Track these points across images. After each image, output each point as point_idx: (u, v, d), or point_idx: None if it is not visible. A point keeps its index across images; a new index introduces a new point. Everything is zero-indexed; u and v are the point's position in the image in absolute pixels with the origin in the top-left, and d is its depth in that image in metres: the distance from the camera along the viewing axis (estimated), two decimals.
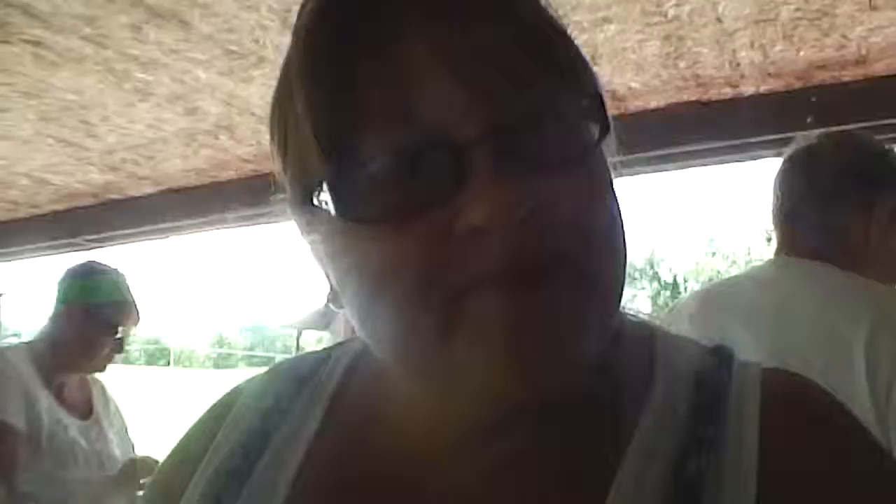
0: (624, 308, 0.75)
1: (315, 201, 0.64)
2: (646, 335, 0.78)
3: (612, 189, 0.67)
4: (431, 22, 0.62)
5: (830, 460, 0.66)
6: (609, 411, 0.71)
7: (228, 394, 0.91)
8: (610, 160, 0.70)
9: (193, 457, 0.84)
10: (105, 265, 3.02)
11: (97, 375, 3.13)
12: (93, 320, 2.88)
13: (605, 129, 0.64)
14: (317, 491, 0.77)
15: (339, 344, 0.91)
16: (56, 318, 2.95)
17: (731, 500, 0.63)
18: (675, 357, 0.76)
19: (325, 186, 0.63)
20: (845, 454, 0.67)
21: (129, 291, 3.01)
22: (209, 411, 0.91)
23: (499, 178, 0.57)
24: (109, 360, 3.00)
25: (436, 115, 0.60)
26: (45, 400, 2.86)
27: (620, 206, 0.68)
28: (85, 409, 3.05)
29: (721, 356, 0.76)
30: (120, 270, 3.04)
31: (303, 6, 0.67)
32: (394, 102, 0.60)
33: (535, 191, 0.58)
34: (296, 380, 0.87)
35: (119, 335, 2.87)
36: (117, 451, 3.06)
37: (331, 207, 0.63)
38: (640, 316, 0.83)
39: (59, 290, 2.96)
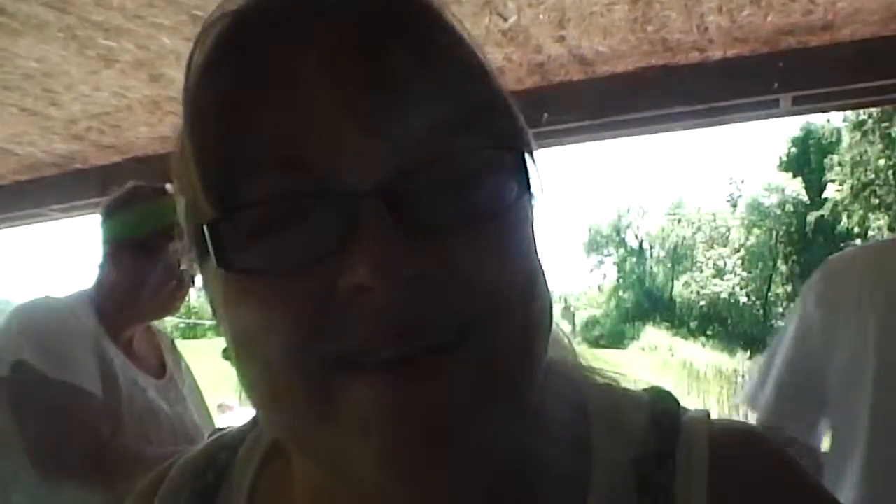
0: (551, 366, 0.68)
1: (201, 248, 0.59)
2: (579, 402, 0.72)
3: (530, 247, 0.61)
4: (328, 64, 0.56)
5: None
6: (546, 494, 0.66)
7: (155, 473, 0.84)
8: (533, 211, 0.64)
9: None
10: (147, 187, 2.53)
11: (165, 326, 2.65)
12: (146, 255, 2.37)
13: (523, 186, 0.59)
14: None
15: (254, 436, 0.81)
16: (105, 261, 2.48)
17: None
18: (622, 411, 0.71)
19: (207, 232, 0.57)
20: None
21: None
22: (136, 493, 0.84)
23: (389, 234, 0.52)
24: (178, 298, 2.51)
25: (327, 163, 0.54)
26: (117, 358, 2.37)
27: (539, 265, 0.61)
28: (158, 366, 2.60)
29: (667, 407, 0.72)
30: (168, 188, 2.37)
31: (196, 43, 0.61)
32: (283, 147, 0.55)
33: (429, 251, 0.53)
34: (203, 493, 0.79)
35: (183, 267, 2.39)
36: (197, 417, 2.61)
37: (212, 256, 0.57)
38: (571, 368, 0.76)
39: (102, 230, 2.50)
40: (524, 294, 0.58)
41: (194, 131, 0.59)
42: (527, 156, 0.61)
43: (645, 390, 0.75)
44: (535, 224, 0.64)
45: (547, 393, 0.66)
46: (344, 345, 0.54)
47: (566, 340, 0.77)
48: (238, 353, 0.60)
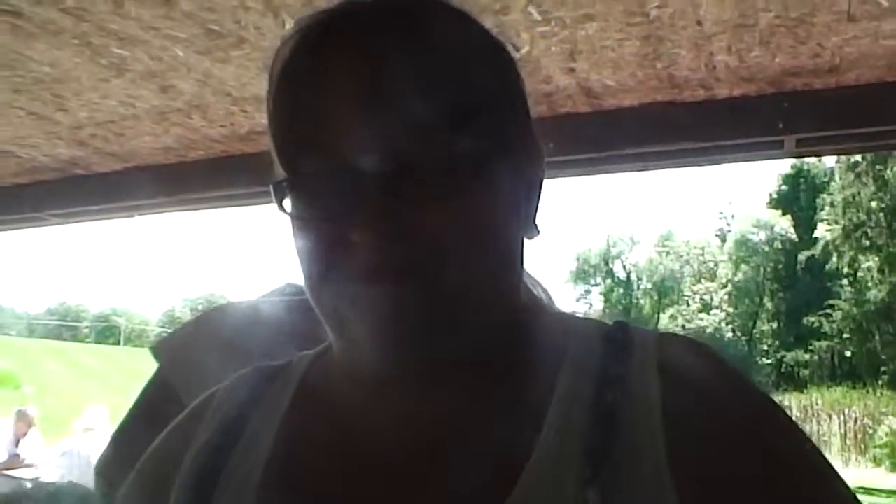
0: (533, 301, 1.01)
1: (274, 196, 0.86)
2: (559, 314, 1.02)
3: (498, 211, 0.86)
4: (348, 81, 0.81)
5: (717, 391, 0.87)
6: (531, 369, 0.90)
7: (204, 397, 1.07)
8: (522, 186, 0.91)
9: (173, 456, 0.99)
10: None
11: None
12: None
13: (480, 166, 0.83)
14: (291, 455, 0.94)
15: (302, 353, 1.08)
16: None
17: (643, 425, 0.81)
18: (585, 324, 0.97)
19: (273, 188, 0.86)
20: (727, 388, 0.88)
21: None
22: (187, 413, 1.07)
23: (383, 204, 0.78)
24: None
25: (346, 149, 0.80)
26: None
27: (506, 223, 0.87)
28: None
29: (623, 324, 0.95)
30: None
31: (273, 59, 0.91)
32: (322, 136, 0.82)
33: (406, 217, 0.79)
34: (268, 376, 1.05)
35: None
36: None
37: (275, 202, 0.86)
38: (555, 308, 1.08)
39: None
40: (479, 248, 0.83)
41: (269, 119, 0.89)
42: (516, 147, 0.89)
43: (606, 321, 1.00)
44: (521, 186, 0.91)
45: (533, 320, 0.96)
46: (351, 274, 0.81)
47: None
48: (301, 272, 0.88)
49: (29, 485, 9.78)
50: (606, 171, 3.18)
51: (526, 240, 0.94)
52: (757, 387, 0.92)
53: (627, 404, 0.83)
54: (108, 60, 2.52)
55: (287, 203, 0.86)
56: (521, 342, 0.92)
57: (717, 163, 3.04)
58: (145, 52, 2.45)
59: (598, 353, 0.89)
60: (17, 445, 10.50)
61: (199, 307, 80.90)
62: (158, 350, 1.75)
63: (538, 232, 0.94)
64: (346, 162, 0.80)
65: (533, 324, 0.95)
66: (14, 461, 10.30)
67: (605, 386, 0.85)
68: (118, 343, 52.23)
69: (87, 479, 9.04)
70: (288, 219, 0.87)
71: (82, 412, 10.24)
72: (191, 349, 1.66)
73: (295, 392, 1.00)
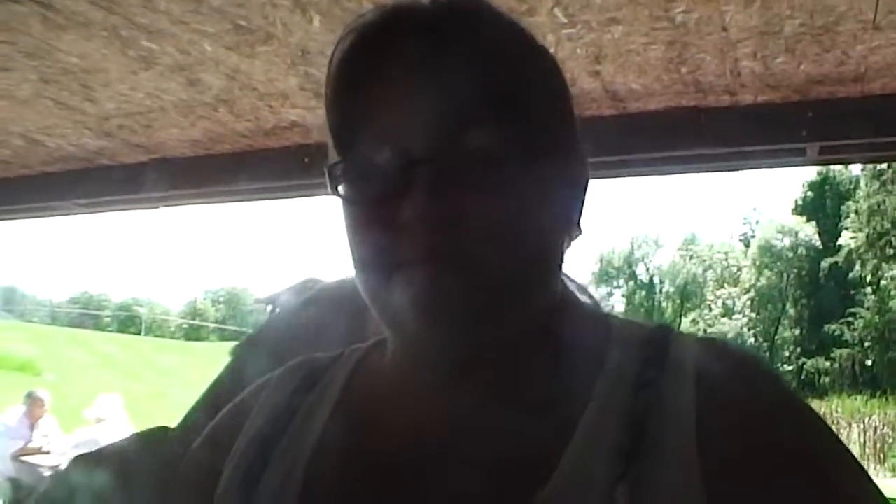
0: (575, 301, 1.02)
1: (328, 179, 0.90)
2: (600, 315, 1.02)
3: (543, 205, 0.88)
4: (404, 74, 0.86)
5: (750, 397, 0.86)
6: (570, 367, 0.92)
7: (257, 385, 1.11)
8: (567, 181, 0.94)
9: (224, 442, 1.03)
10: None
11: None
12: None
13: (527, 160, 0.85)
14: (337, 446, 0.96)
15: (353, 347, 1.11)
16: None
17: (675, 431, 0.82)
18: (627, 326, 0.97)
19: (328, 171, 0.90)
20: (764, 396, 0.87)
21: None
22: (239, 400, 1.10)
23: (430, 190, 0.81)
24: None
25: (401, 137, 0.84)
26: None
27: (550, 218, 0.90)
28: None
29: (664, 327, 0.96)
30: None
31: (333, 49, 0.92)
32: (376, 123, 0.86)
33: (453, 203, 0.81)
34: (317, 367, 1.08)
35: None
36: None
37: (328, 185, 0.90)
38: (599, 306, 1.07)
39: None
40: (520, 237, 0.85)
41: (327, 107, 0.92)
42: (547, 143, 0.89)
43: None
44: (565, 184, 0.93)
45: (574, 318, 0.97)
46: (398, 254, 0.84)
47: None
48: (350, 253, 0.91)
49: (46, 472, 9.83)
50: (630, 175, 3.18)
51: (569, 240, 0.96)
52: (797, 397, 0.92)
53: (660, 410, 0.84)
54: (137, 53, 2.55)
55: (341, 187, 0.89)
56: (561, 339, 0.94)
57: (740, 169, 3.04)
58: (174, 45, 2.48)
59: (636, 355, 0.90)
60: (31, 430, 10.54)
61: (221, 299, 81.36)
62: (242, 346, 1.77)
63: (581, 232, 0.97)
64: (400, 146, 0.84)
65: (573, 322, 0.97)
66: (30, 448, 10.35)
67: (639, 389, 0.86)
68: (139, 333, 52.48)
69: None
70: (340, 202, 0.91)
71: (95, 402, 10.26)
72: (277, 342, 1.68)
73: (344, 384, 1.03)
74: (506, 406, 0.90)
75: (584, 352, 0.92)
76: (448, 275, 0.82)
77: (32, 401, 10.69)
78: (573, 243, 0.98)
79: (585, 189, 0.99)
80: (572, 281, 1.03)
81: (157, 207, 4.13)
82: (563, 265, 0.97)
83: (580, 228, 0.97)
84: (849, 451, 0.88)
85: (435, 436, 0.90)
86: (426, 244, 0.82)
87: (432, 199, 0.81)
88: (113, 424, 9.61)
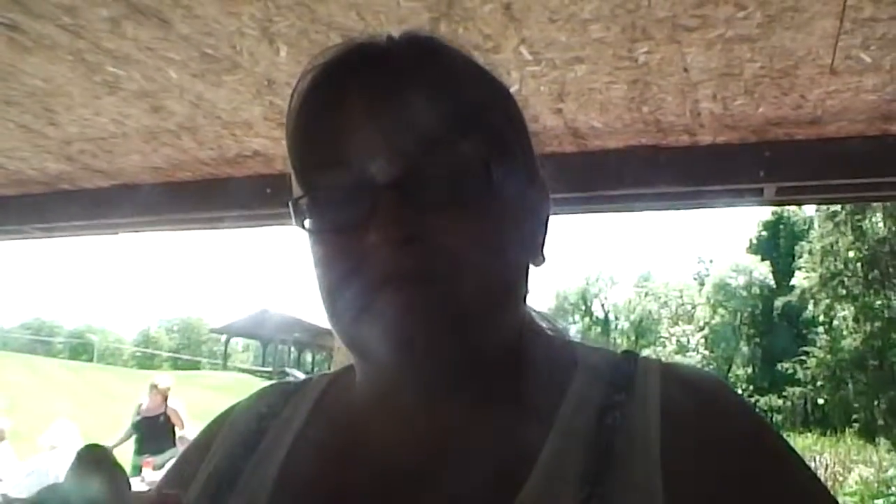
0: (545, 320, 1.05)
1: (293, 213, 0.91)
2: (566, 339, 1.04)
3: (506, 227, 0.89)
4: (363, 103, 0.87)
5: (717, 422, 0.88)
6: (536, 390, 0.92)
7: (223, 413, 1.12)
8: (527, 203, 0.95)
9: (189, 469, 1.04)
10: None
11: None
12: None
13: (486, 179, 0.86)
14: (303, 466, 0.97)
15: (322, 373, 1.13)
16: None
17: (640, 453, 0.83)
18: (593, 352, 0.99)
19: (292, 205, 0.91)
20: (729, 418, 0.89)
21: None
22: (204, 431, 1.11)
23: (395, 211, 0.82)
24: None
25: (364, 164, 0.85)
26: None
27: (513, 241, 0.91)
28: None
29: (629, 353, 0.98)
30: None
31: (296, 84, 0.95)
32: (338, 153, 0.87)
33: (418, 223, 0.83)
34: (285, 392, 1.10)
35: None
36: None
37: (293, 219, 0.91)
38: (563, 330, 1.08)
39: None
40: (486, 255, 0.86)
41: (289, 141, 0.94)
42: (507, 164, 0.90)
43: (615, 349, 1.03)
44: (515, 208, 0.92)
45: (540, 343, 0.99)
46: (366, 281, 0.84)
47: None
48: (318, 286, 0.91)
49: None
50: (590, 211, 3.21)
51: (532, 266, 0.98)
52: (763, 420, 0.95)
53: (625, 435, 0.85)
54: (102, 78, 2.54)
55: (305, 220, 0.90)
56: (527, 363, 0.95)
57: (699, 207, 3.09)
58: (139, 71, 2.48)
59: (601, 380, 0.92)
60: None
61: (175, 328, 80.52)
62: None
63: (544, 260, 0.98)
64: (363, 174, 0.85)
65: (539, 347, 0.98)
66: None
67: (604, 414, 0.88)
68: (91, 360, 51.75)
69: None
70: (306, 236, 0.92)
71: (49, 429, 10.11)
72: None
73: (312, 407, 1.05)
74: (472, 430, 0.90)
75: (550, 376, 0.93)
76: (415, 293, 0.84)
77: None
78: (536, 271, 0.99)
79: (548, 218, 1.01)
80: (536, 311, 1.05)
81: (117, 234, 4.11)
82: (529, 292, 0.98)
83: (544, 256, 0.99)
84: (816, 476, 0.90)
85: (402, 460, 0.91)
86: (393, 265, 0.83)
87: (397, 220, 0.82)
88: (67, 451, 9.45)
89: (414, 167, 0.85)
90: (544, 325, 1.05)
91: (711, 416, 0.88)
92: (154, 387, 11.29)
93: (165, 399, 11.13)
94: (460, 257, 0.85)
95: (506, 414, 0.91)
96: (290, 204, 0.91)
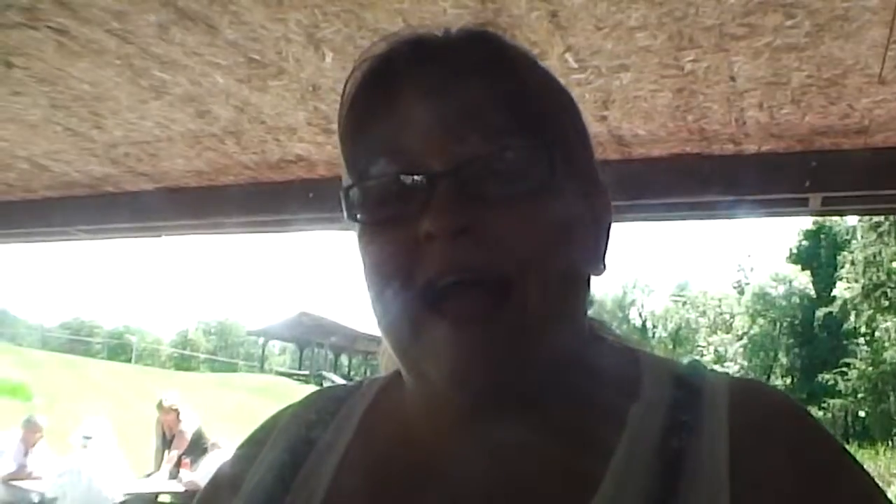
0: (605, 330, 1.01)
1: (344, 203, 0.88)
2: (630, 349, 0.98)
3: (568, 228, 0.86)
4: (425, 87, 0.85)
5: (787, 443, 0.83)
6: (600, 407, 0.87)
7: (271, 418, 1.09)
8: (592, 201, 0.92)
9: (233, 480, 1.01)
10: None
11: None
12: None
13: (549, 179, 0.83)
14: (353, 483, 0.93)
15: (373, 377, 1.10)
16: None
17: (708, 472, 0.80)
18: (658, 364, 0.94)
19: (343, 195, 0.88)
20: (800, 441, 0.84)
21: None
22: (252, 436, 1.08)
23: (450, 201, 0.79)
24: None
25: (420, 152, 0.83)
26: None
27: (576, 244, 0.87)
28: None
29: (696, 365, 0.94)
30: None
31: (349, 75, 0.92)
32: (394, 141, 0.85)
33: (475, 214, 0.80)
34: (335, 399, 1.06)
35: None
36: None
37: (344, 211, 0.88)
38: (625, 338, 1.03)
39: None
40: (547, 252, 0.82)
41: (342, 132, 0.92)
42: (576, 159, 0.90)
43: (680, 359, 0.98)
44: (577, 208, 0.88)
45: (599, 346, 0.95)
46: (420, 279, 0.81)
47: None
48: (367, 287, 0.87)
49: (35, 497, 9.77)
50: (633, 220, 3.19)
51: (594, 274, 0.93)
52: (834, 439, 0.88)
53: (694, 452, 0.81)
54: (149, 82, 2.57)
55: (356, 212, 0.87)
56: (592, 377, 0.90)
57: (742, 217, 3.06)
58: (186, 76, 2.50)
59: (668, 393, 0.88)
60: (26, 455, 10.49)
61: (213, 330, 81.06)
62: None
63: (605, 269, 0.94)
64: (417, 162, 0.83)
65: (604, 358, 0.94)
66: (21, 472, 10.29)
67: (672, 431, 0.84)
68: (130, 360, 52.21)
69: (88, 498, 8.97)
70: (357, 229, 0.89)
71: (82, 424, 10.20)
72: None
73: (361, 418, 1.01)
74: (535, 448, 0.85)
75: (616, 392, 0.88)
76: (476, 304, 0.79)
77: (30, 426, 10.66)
78: (597, 279, 0.94)
79: (609, 226, 0.96)
80: (595, 319, 1.00)
81: (160, 236, 4.15)
82: (592, 301, 0.94)
83: (605, 265, 0.94)
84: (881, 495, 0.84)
85: (461, 476, 0.86)
86: (448, 258, 0.79)
87: (453, 209, 0.79)
88: (99, 449, 9.54)
89: (472, 156, 0.82)
90: (606, 335, 1.00)
91: (783, 439, 0.83)
92: (162, 407, 11.05)
93: (178, 415, 10.95)
94: (521, 254, 0.81)
95: (571, 432, 0.86)
96: (341, 193, 0.88)
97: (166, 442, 10.88)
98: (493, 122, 0.83)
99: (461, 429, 0.87)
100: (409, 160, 0.83)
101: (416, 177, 0.83)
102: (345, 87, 0.92)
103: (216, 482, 1.06)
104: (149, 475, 10.81)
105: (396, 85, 0.86)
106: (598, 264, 0.94)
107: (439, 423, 0.90)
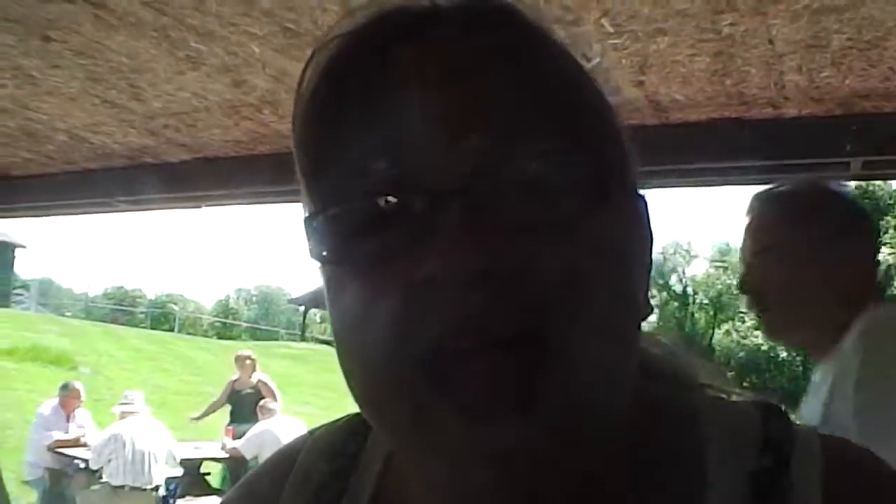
0: (654, 376, 0.75)
1: (308, 238, 0.65)
2: (688, 410, 0.74)
3: (610, 255, 0.62)
4: (417, 76, 0.62)
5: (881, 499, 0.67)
6: (656, 491, 0.68)
7: (290, 447, 0.88)
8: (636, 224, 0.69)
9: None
10: None
11: None
12: None
13: (603, 196, 0.61)
14: None
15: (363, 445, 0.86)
16: None
17: None
18: (731, 417, 0.73)
19: (306, 227, 0.65)
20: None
21: None
22: (272, 464, 0.88)
23: (462, 233, 0.55)
24: None
25: (415, 165, 0.59)
26: None
27: (625, 275, 0.64)
28: None
29: (773, 408, 0.74)
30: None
31: (308, 60, 0.68)
32: (375, 151, 0.60)
33: (499, 250, 0.55)
34: (354, 434, 0.84)
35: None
36: None
37: (309, 247, 0.64)
38: (682, 378, 0.80)
39: None
40: (599, 302, 0.59)
41: (298, 142, 0.67)
42: (618, 169, 0.66)
43: (753, 402, 0.76)
44: (631, 233, 0.67)
45: (652, 405, 0.71)
46: (421, 341, 0.56)
47: (679, 354, 0.82)
48: (336, 345, 0.64)
49: (81, 465, 9.96)
50: (671, 185, 3.18)
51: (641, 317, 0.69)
52: None
53: None
54: (185, 53, 2.57)
55: (322, 248, 0.64)
56: (644, 454, 0.69)
57: (782, 181, 3.03)
58: (222, 47, 2.50)
59: (753, 447, 0.69)
60: (67, 421, 10.67)
61: (254, 298, 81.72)
62: None
63: (651, 310, 0.71)
64: (412, 177, 0.59)
65: (658, 424, 0.72)
66: (66, 439, 10.46)
67: (763, 486, 0.67)
68: (172, 330, 52.77)
69: (131, 467, 9.18)
70: (325, 271, 0.66)
71: (122, 397, 10.44)
72: None
73: (376, 482, 0.80)
74: None
75: (677, 467, 0.69)
76: (506, 374, 0.56)
77: (67, 392, 10.84)
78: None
79: (651, 261, 0.73)
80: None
81: (199, 207, 4.18)
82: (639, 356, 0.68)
83: (651, 305, 0.71)
84: None
85: None
86: (463, 313, 0.55)
87: (467, 243, 0.55)
88: (140, 419, 9.76)
89: (491, 169, 0.58)
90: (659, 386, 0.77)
91: (877, 494, 0.68)
92: (242, 360, 11.63)
93: (254, 371, 11.51)
94: (566, 308, 0.57)
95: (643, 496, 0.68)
96: (303, 225, 0.65)
97: (233, 400, 11.42)
98: (520, 119, 0.60)
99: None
100: (400, 174, 0.60)
101: (411, 197, 0.59)
102: (302, 76, 0.68)
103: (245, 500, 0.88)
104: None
105: (378, 71, 0.63)
106: (647, 306, 0.71)
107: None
